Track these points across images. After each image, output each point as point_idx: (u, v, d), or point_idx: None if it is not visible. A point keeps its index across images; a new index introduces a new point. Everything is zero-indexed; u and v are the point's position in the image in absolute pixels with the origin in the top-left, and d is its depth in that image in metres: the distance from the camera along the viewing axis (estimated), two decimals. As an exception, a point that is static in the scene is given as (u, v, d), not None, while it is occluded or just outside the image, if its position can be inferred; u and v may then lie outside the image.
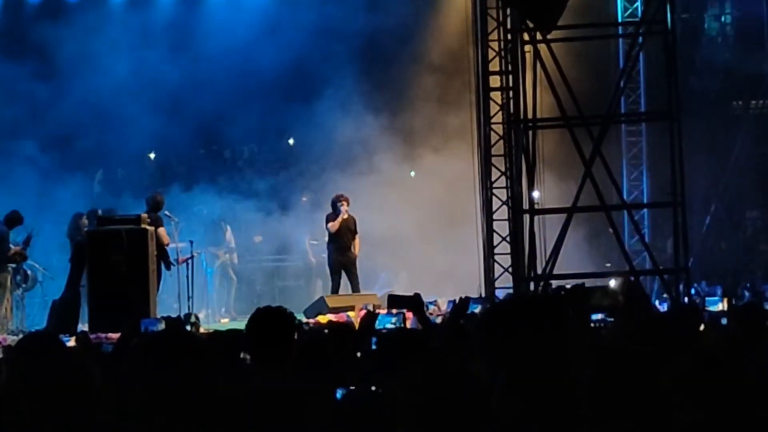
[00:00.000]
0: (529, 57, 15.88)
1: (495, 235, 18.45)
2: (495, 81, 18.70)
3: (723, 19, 22.84)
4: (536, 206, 16.35)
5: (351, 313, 16.33)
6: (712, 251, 21.73)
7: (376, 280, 20.73)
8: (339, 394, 4.82)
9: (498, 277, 18.17)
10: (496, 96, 18.74)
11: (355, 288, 18.13)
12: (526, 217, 16.00)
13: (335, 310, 16.76)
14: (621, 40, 20.38)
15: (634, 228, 17.07)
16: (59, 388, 4.41)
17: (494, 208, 18.63)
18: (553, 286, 14.93)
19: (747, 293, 17.46)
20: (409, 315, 15.50)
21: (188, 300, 18.00)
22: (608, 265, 18.90)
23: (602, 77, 19.54)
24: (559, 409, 4.03)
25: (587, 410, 4.13)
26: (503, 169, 18.54)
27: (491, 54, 18.78)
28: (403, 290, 20.04)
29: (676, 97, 15.90)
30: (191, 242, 18.89)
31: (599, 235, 18.95)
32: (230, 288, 21.12)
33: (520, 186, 16.23)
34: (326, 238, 18.86)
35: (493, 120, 18.90)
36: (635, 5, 21.24)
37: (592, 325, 9.64)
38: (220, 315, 20.18)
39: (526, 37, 15.89)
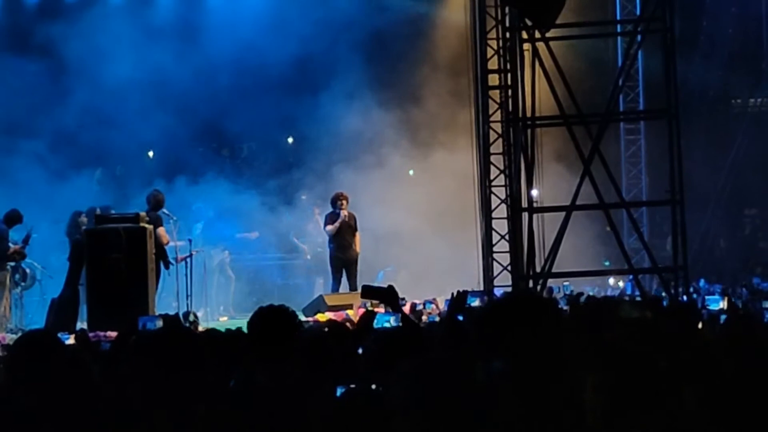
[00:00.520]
0: (527, 55, 15.87)
1: (494, 233, 18.46)
2: (494, 79, 18.71)
3: (721, 17, 22.82)
4: (535, 204, 16.35)
5: (350, 312, 16.34)
6: (711, 249, 21.74)
7: (375, 278, 20.73)
8: (339, 392, 4.83)
9: (497, 275, 18.18)
10: (495, 94, 18.74)
11: (353, 286, 18.13)
12: (525, 215, 16.00)
13: (334, 309, 16.76)
14: (620, 38, 20.40)
15: (633, 226, 17.07)
16: (58, 386, 4.42)
17: (493, 206, 18.64)
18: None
19: (745, 291, 17.45)
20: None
21: (187, 298, 18.00)
22: (607, 263, 18.91)
23: (601, 75, 19.57)
24: (557, 406, 4.04)
25: (588, 409, 4.13)
26: (502, 167, 18.55)
27: (490, 52, 18.79)
28: (402, 289, 20.08)
29: (675, 95, 15.90)
30: (190, 240, 18.89)
31: (598, 233, 18.95)
32: (229, 286, 21.12)
33: (519, 184, 16.23)
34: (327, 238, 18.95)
35: (492, 118, 18.90)
36: (634, 3, 21.24)
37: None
38: (218, 313, 20.17)
39: (524, 35, 15.88)
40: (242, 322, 15.58)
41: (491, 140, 18.87)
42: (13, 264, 17.76)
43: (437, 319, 13.42)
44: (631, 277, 16.87)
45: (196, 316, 16.95)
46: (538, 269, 15.79)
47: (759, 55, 22.37)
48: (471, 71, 19.13)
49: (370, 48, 21.34)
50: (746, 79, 22.76)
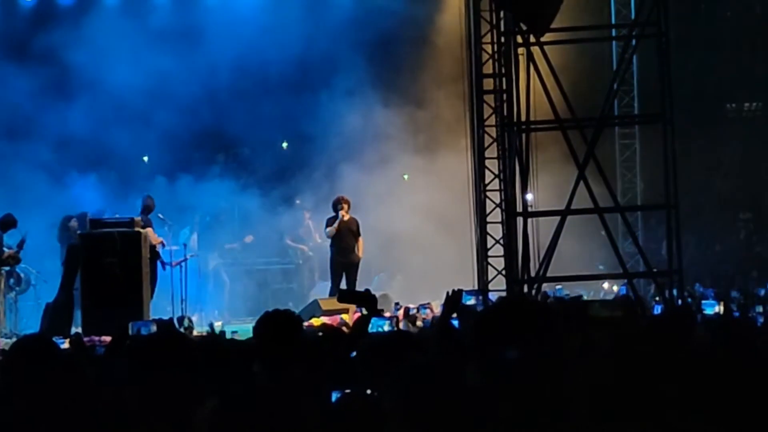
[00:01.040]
0: (522, 59, 15.88)
1: (489, 237, 18.46)
2: (488, 83, 18.70)
3: (716, 22, 22.85)
4: (529, 209, 16.35)
5: (345, 316, 16.33)
6: (706, 254, 21.75)
7: (370, 283, 20.72)
8: (334, 396, 4.83)
9: (492, 280, 18.17)
10: (490, 98, 18.74)
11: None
12: (520, 220, 16.00)
13: (329, 313, 16.76)
14: (614, 42, 20.41)
15: (627, 230, 17.08)
16: (54, 390, 4.41)
17: (488, 211, 18.64)
18: (550, 298, 14.94)
19: (739, 295, 17.46)
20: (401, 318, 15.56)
21: (182, 303, 18.00)
22: (601, 267, 18.91)
23: (596, 80, 19.56)
24: (552, 410, 4.04)
25: (582, 412, 4.14)
26: (497, 172, 18.55)
27: (485, 56, 18.79)
28: (397, 293, 20.11)
29: (670, 100, 15.91)
30: (184, 245, 18.89)
31: (593, 237, 18.95)
32: (224, 291, 21.11)
33: (513, 189, 16.23)
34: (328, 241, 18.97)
35: (486, 122, 18.91)
36: (629, 8, 21.26)
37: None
38: (213, 318, 20.14)
39: (519, 39, 15.89)
40: (237, 327, 15.54)
41: (486, 144, 18.87)
42: (7, 268, 17.75)
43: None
44: (625, 281, 16.87)
45: (190, 321, 16.96)
46: (532, 274, 15.79)
47: (754, 60, 22.39)
48: (466, 75, 19.14)
49: (364, 52, 21.31)
50: (741, 83, 22.78)
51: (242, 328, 14.40)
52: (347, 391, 4.83)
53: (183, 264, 18.36)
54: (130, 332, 13.49)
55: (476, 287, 18.03)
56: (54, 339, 6.33)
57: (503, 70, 17.06)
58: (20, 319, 18.28)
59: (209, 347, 5.23)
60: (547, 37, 15.87)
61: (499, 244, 18.10)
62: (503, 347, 4.33)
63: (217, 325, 18.77)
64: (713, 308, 13.22)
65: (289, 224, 22.00)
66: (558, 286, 17.00)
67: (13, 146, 20.69)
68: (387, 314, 15.82)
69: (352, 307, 16.40)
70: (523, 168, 15.90)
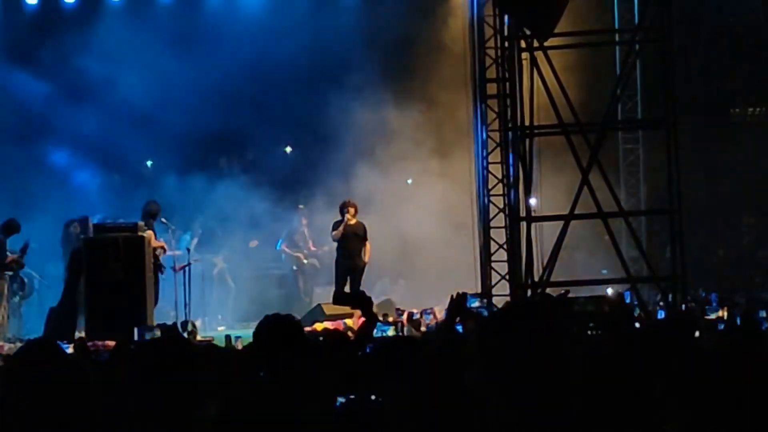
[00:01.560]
0: (526, 64, 15.89)
1: (492, 242, 18.46)
2: (492, 88, 18.73)
3: (720, 26, 22.84)
4: (533, 213, 16.35)
5: (349, 321, 16.33)
6: (710, 258, 21.75)
7: (373, 287, 20.72)
8: (338, 402, 4.84)
9: (495, 284, 18.18)
10: (494, 103, 18.77)
11: (354, 295, 18.09)
12: (524, 224, 16.00)
13: (332, 318, 16.75)
14: (618, 47, 20.41)
15: (631, 235, 17.07)
16: (59, 396, 4.42)
17: (491, 215, 18.65)
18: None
19: (743, 300, 17.46)
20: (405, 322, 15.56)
21: (185, 308, 18.00)
22: (605, 272, 18.90)
23: (599, 84, 19.56)
24: (553, 415, 4.04)
25: (580, 417, 4.13)
26: (500, 177, 18.56)
27: (488, 61, 18.82)
28: (401, 298, 20.11)
29: (673, 104, 15.90)
30: (188, 250, 18.88)
31: (596, 242, 18.95)
32: (228, 295, 21.09)
33: (517, 193, 16.23)
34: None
35: (490, 127, 18.92)
36: (632, 13, 21.26)
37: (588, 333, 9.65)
38: (217, 323, 20.15)
39: (523, 44, 15.90)
40: (240, 332, 15.51)
41: (490, 149, 18.89)
42: (11, 273, 17.76)
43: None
44: (629, 286, 16.86)
45: (194, 326, 16.95)
46: (536, 278, 15.78)
47: (757, 65, 22.39)
48: (469, 80, 19.16)
49: (369, 58, 21.32)
50: (744, 88, 22.78)
51: (246, 334, 14.39)
52: (351, 396, 4.84)
53: (187, 269, 18.36)
54: (134, 337, 13.54)
55: (480, 292, 18.04)
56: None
57: (507, 75, 17.09)
58: (24, 324, 18.29)
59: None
60: (550, 42, 15.87)
61: (503, 248, 18.11)
62: (506, 350, 4.32)
63: (221, 330, 18.83)
64: (717, 313, 13.23)
65: (284, 230, 21.98)
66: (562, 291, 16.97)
67: (16, 149, 20.71)
68: (390, 319, 15.83)
69: (357, 311, 16.39)
70: (526, 172, 15.89)
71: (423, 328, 15.31)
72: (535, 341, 4.06)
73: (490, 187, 18.79)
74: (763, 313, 13.64)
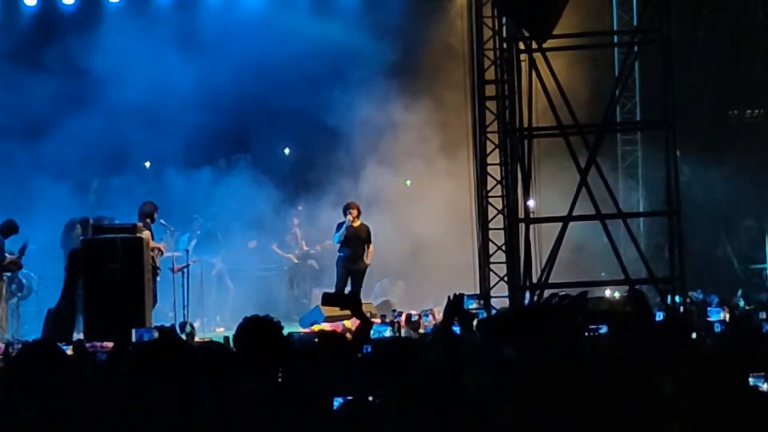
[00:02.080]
0: (524, 66, 15.89)
1: (491, 243, 18.45)
2: (491, 90, 18.73)
3: (718, 28, 22.82)
4: (532, 215, 16.35)
5: (347, 322, 16.31)
6: (708, 260, 21.73)
7: (372, 289, 20.72)
8: (336, 403, 4.83)
9: (494, 286, 18.17)
10: (492, 105, 18.77)
11: (354, 296, 18.08)
12: (522, 226, 16.00)
13: (331, 319, 16.73)
14: (617, 48, 20.41)
15: (629, 237, 17.06)
16: (59, 397, 4.42)
17: (490, 217, 18.64)
18: (553, 296, 14.88)
19: (742, 302, 17.45)
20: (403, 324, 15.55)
21: (183, 309, 17.99)
22: (603, 274, 18.89)
23: (598, 86, 19.56)
24: (553, 416, 4.03)
25: (583, 418, 4.13)
26: (499, 178, 18.55)
27: (487, 63, 18.81)
28: (399, 300, 20.11)
29: (672, 106, 15.91)
30: (187, 251, 18.87)
31: (595, 244, 18.94)
32: (227, 296, 21.07)
33: (515, 195, 16.23)
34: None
35: (488, 129, 18.92)
36: (631, 14, 21.26)
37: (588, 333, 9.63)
38: (215, 324, 20.13)
39: (521, 46, 15.90)
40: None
41: (488, 151, 18.89)
42: (9, 274, 17.74)
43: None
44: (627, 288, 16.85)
45: (192, 327, 16.94)
46: (534, 280, 15.78)
47: (756, 67, 22.38)
48: (467, 82, 19.16)
49: (365, 59, 21.30)
50: (743, 90, 22.76)
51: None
52: (349, 397, 4.83)
53: (185, 270, 18.35)
54: (132, 339, 13.52)
55: (478, 293, 18.03)
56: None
57: (505, 77, 17.10)
58: (22, 325, 18.28)
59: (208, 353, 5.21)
60: (549, 44, 15.87)
61: (501, 250, 18.11)
62: (505, 351, 4.33)
63: (219, 331, 18.80)
64: (718, 315, 13.20)
65: (277, 231, 21.99)
66: (561, 293, 16.94)
67: (14, 149, 20.70)
68: (388, 320, 15.81)
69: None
70: (525, 174, 15.89)
71: (422, 330, 15.29)
72: (530, 340, 4.06)
73: (488, 188, 18.78)
74: (762, 315, 13.61)
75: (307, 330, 15.89)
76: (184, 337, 15.33)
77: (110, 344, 12.90)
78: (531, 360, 4.20)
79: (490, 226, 18.54)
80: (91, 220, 17.71)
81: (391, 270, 21.15)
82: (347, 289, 18.35)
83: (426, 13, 22.01)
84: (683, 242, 16.16)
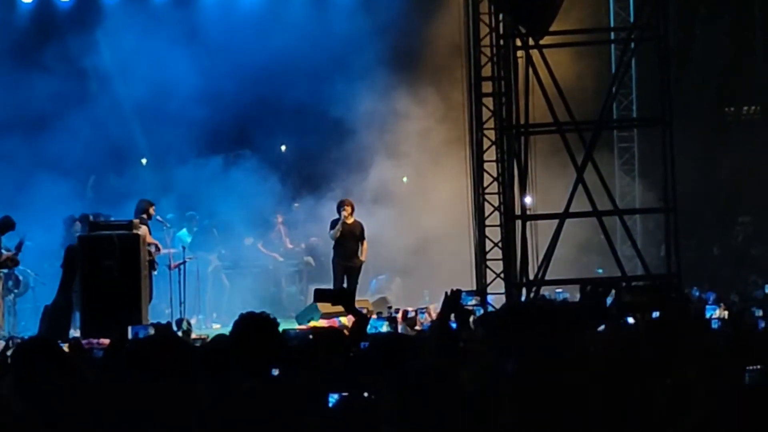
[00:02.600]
0: (521, 62, 15.89)
1: (487, 240, 18.45)
2: (487, 87, 18.71)
3: (715, 25, 22.83)
4: (528, 212, 16.35)
5: (343, 319, 16.31)
6: (705, 257, 21.74)
7: (368, 286, 20.72)
8: (332, 399, 4.83)
9: (490, 283, 18.16)
10: (489, 102, 18.75)
11: (350, 293, 18.07)
12: (519, 223, 16.00)
13: (327, 316, 16.73)
14: (613, 45, 20.41)
15: (626, 234, 17.08)
16: (55, 394, 4.42)
17: (486, 214, 18.64)
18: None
19: (737, 298, 17.45)
20: (400, 319, 15.55)
21: (180, 305, 17.98)
22: (600, 271, 18.90)
23: (595, 83, 19.55)
24: (551, 414, 4.04)
25: (583, 418, 4.14)
26: (495, 175, 18.55)
27: (483, 59, 18.80)
28: (395, 297, 20.10)
29: (669, 103, 15.92)
30: (183, 248, 18.86)
31: (591, 240, 18.95)
32: (223, 293, 21.05)
33: (512, 192, 16.23)
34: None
35: (485, 126, 18.91)
36: (628, 11, 21.25)
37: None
38: (212, 321, 20.12)
39: (518, 42, 15.89)
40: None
41: (485, 147, 18.88)
42: (6, 271, 17.73)
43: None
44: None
45: (189, 324, 16.94)
46: (531, 277, 15.79)
47: (752, 63, 22.40)
48: (464, 78, 19.14)
49: (362, 55, 21.29)
50: (740, 87, 22.78)
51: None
52: (345, 393, 4.83)
53: (182, 267, 18.34)
54: (129, 336, 13.51)
55: (475, 290, 18.03)
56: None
57: (502, 73, 17.07)
58: (18, 322, 18.27)
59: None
60: (546, 40, 15.89)
61: (498, 247, 18.09)
62: (504, 352, 4.32)
63: (216, 328, 18.80)
64: (714, 312, 13.20)
65: (287, 228, 21.96)
66: (558, 290, 16.98)
67: (11, 147, 20.67)
68: (385, 316, 15.81)
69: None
70: (521, 171, 15.90)
71: (418, 327, 15.29)
72: (529, 340, 4.05)
73: (485, 185, 18.77)
74: (758, 312, 13.61)
75: (303, 327, 15.87)
76: (180, 333, 15.33)
77: (106, 341, 12.91)
78: (531, 360, 4.20)
79: (487, 222, 18.53)
80: (90, 217, 17.72)
81: (388, 266, 21.14)
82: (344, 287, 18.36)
83: (423, 10, 21.98)
84: (679, 239, 16.16)
